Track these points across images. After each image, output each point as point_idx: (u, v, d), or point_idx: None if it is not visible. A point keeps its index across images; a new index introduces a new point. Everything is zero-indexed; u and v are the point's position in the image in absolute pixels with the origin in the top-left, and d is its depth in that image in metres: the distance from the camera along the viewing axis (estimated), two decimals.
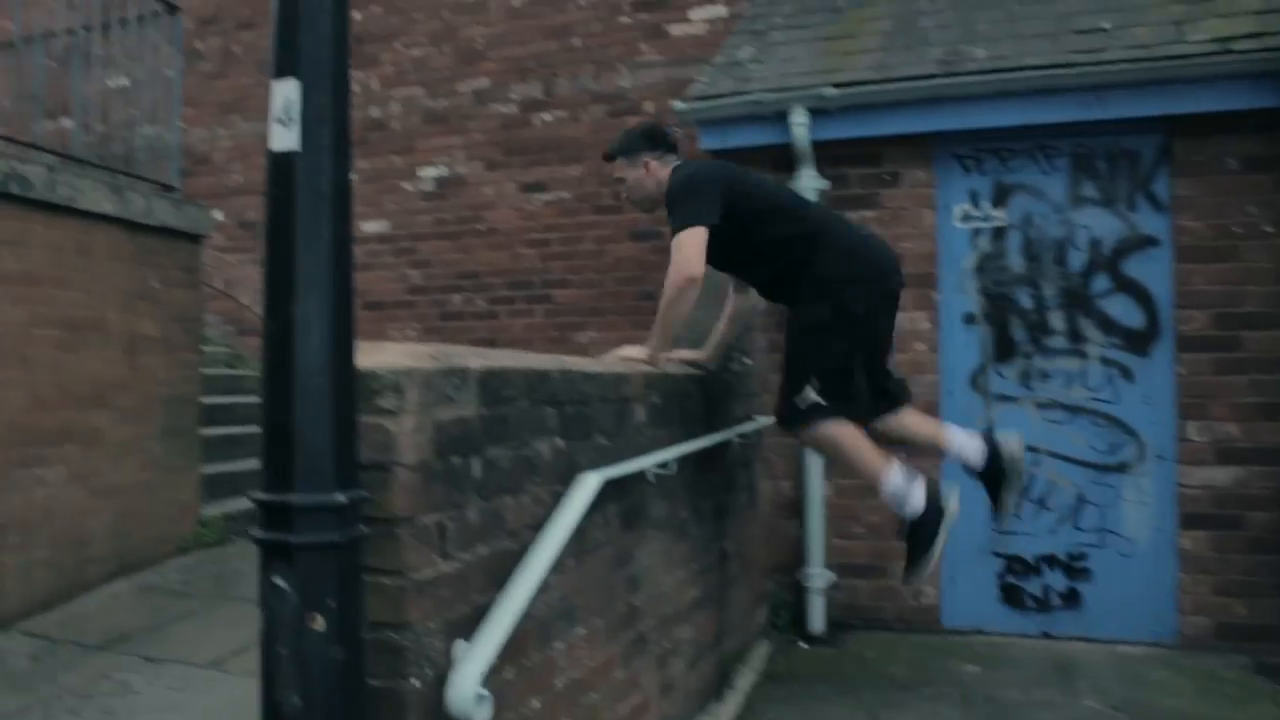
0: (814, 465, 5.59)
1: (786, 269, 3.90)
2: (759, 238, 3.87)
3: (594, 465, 2.95)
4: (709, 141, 5.77)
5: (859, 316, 3.80)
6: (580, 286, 7.37)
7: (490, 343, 7.55)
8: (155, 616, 5.00)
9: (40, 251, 5.10)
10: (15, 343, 4.93)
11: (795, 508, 5.66)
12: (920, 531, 3.86)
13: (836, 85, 5.49)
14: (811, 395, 3.77)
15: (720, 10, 7.13)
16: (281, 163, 1.71)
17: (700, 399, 4.25)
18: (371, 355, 2.05)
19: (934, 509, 3.84)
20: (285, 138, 1.69)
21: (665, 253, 6.98)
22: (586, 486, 2.74)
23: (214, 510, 6.24)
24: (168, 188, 6.19)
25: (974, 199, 5.63)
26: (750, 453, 5.19)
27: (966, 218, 5.64)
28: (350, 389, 1.80)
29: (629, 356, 3.78)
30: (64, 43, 6.07)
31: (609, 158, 4.14)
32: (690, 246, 3.65)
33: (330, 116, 1.71)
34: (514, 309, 7.55)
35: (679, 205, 3.75)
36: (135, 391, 5.65)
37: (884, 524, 5.59)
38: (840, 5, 6.40)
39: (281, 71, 1.71)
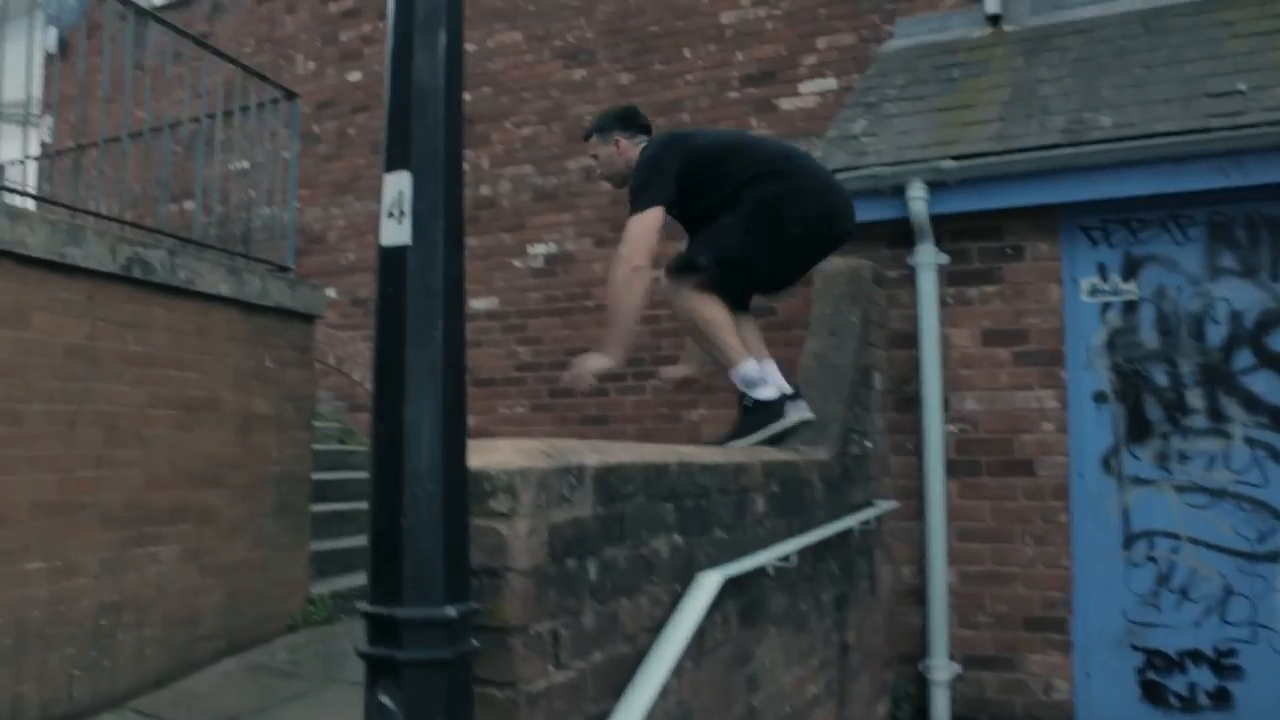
0: (936, 550, 5.35)
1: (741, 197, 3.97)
2: (726, 189, 3.95)
3: (713, 561, 2.81)
4: None
5: (793, 234, 3.94)
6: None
7: (600, 420, 7.47)
8: (263, 698, 4.95)
9: (160, 333, 5.18)
10: (134, 423, 4.99)
11: (917, 595, 5.40)
12: (758, 413, 3.96)
13: (955, 157, 5.32)
14: (711, 263, 3.88)
15: (830, 83, 7.04)
16: (392, 258, 1.64)
17: (820, 485, 4.07)
18: (483, 454, 1.95)
19: (779, 404, 3.97)
20: (396, 232, 1.62)
21: (777, 329, 6.88)
22: (706, 586, 2.60)
23: (323, 588, 6.21)
24: (283, 268, 6.29)
25: (1102, 272, 5.38)
26: (870, 538, 4.98)
27: (1095, 292, 5.38)
28: (463, 495, 1.70)
29: (594, 368, 3.83)
30: (190, 130, 6.24)
31: (585, 136, 4.41)
32: (637, 235, 3.81)
33: (443, 209, 1.64)
34: (624, 385, 7.46)
35: (636, 188, 3.95)
36: (248, 470, 5.68)
37: (1012, 614, 5.30)
38: (955, 75, 6.26)
39: (393, 164, 1.64)
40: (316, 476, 6.52)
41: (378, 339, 1.66)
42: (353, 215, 8.81)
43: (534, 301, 7.91)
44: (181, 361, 5.31)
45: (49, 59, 10.41)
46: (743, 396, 4.07)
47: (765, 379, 4.03)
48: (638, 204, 3.88)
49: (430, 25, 1.72)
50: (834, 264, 5.40)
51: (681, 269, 3.99)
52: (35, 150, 9.13)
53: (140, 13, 6.17)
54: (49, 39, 10.64)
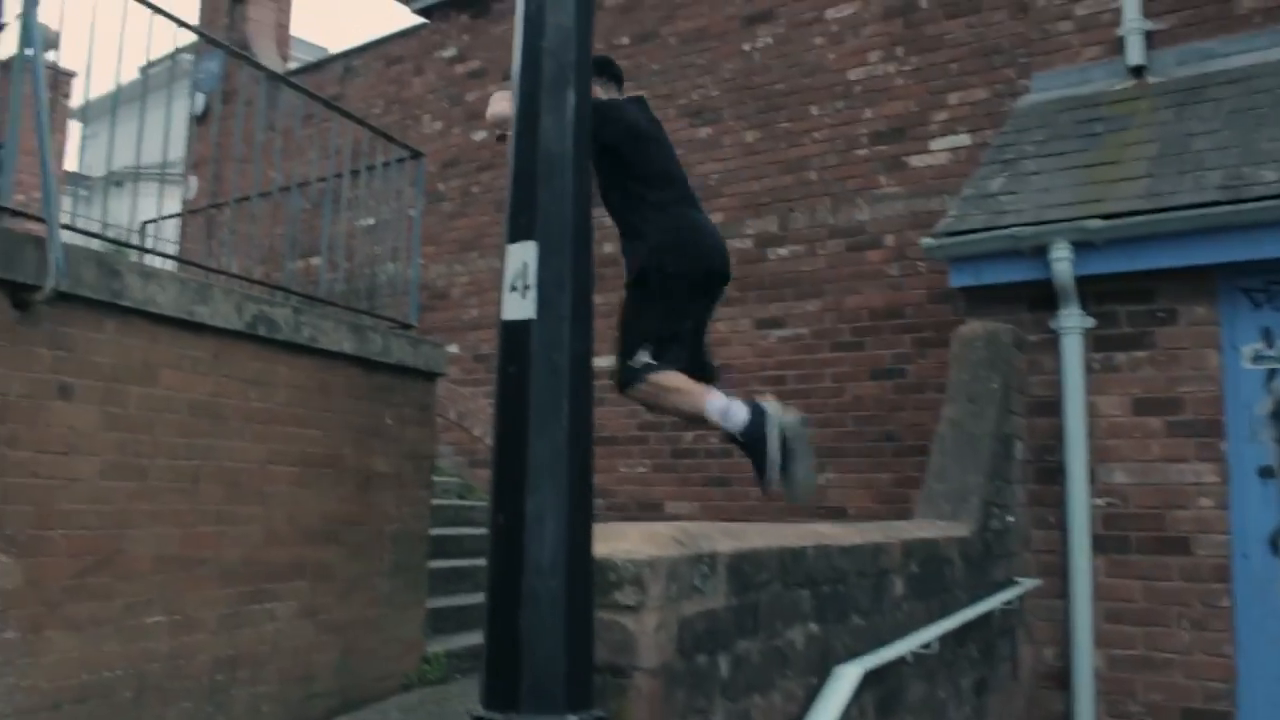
0: (1082, 631, 5.00)
1: (629, 217, 4.44)
2: (624, 181, 4.37)
3: (850, 650, 2.60)
4: (960, 279, 5.41)
5: (679, 288, 4.23)
6: (818, 426, 7.02)
7: (722, 482, 7.29)
8: None
9: (283, 390, 5.19)
10: (255, 479, 5.00)
11: (1060, 679, 5.05)
12: (754, 434, 4.07)
13: (1103, 216, 5.04)
14: (644, 357, 4.17)
15: (963, 139, 6.81)
16: (515, 333, 1.51)
17: (960, 563, 3.82)
18: (609, 541, 1.80)
19: (758, 410, 4.09)
20: (520, 306, 1.49)
21: (907, 391, 6.63)
22: (845, 680, 2.40)
23: (438, 646, 6.13)
24: (406, 325, 6.30)
25: (1267, 337, 5.01)
26: (1012, 618, 4.67)
27: (1258, 358, 5.01)
28: (588, 593, 1.55)
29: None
30: (318, 189, 6.33)
31: None
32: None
33: (570, 281, 1.51)
34: None
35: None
36: (365, 527, 5.64)
37: (1167, 704, 4.91)
38: (1098, 130, 5.96)
39: (517, 233, 1.52)
40: (435, 532, 6.48)
41: (498, 421, 1.53)
42: (476, 272, 8.85)
43: None
44: (303, 419, 5.32)
45: (192, 122, 10.80)
46: (731, 436, 4.24)
47: (729, 402, 4.18)
48: None
49: (558, 86, 1.61)
50: (971, 328, 5.16)
51: (630, 383, 4.27)
52: (176, 209, 9.43)
53: (274, 77, 6.31)
54: (196, 104, 11.05)
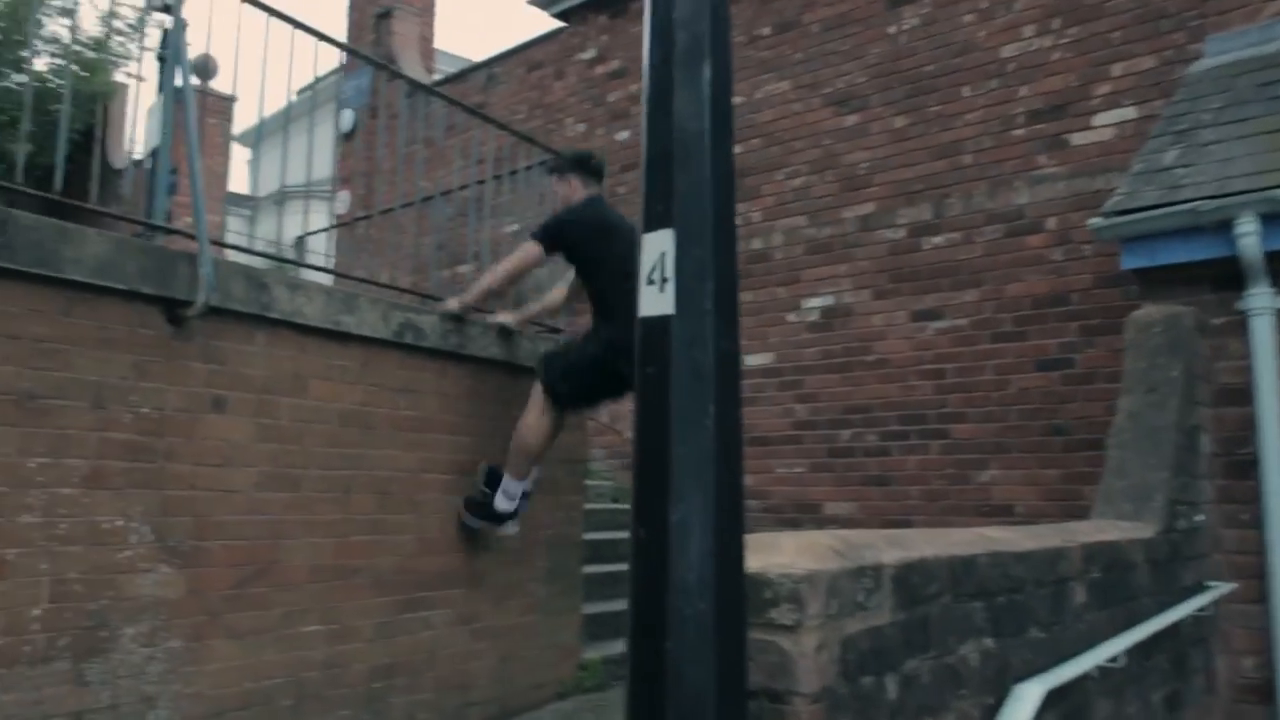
0: None
1: (593, 305, 5.13)
2: (585, 276, 5.18)
3: (1029, 665, 2.39)
4: (1133, 260, 5.05)
5: (617, 373, 4.74)
6: (979, 420, 6.72)
7: (881, 481, 7.03)
8: None
9: (432, 398, 5.20)
10: (406, 487, 5.01)
11: (1262, 691, 4.66)
12: (483, 511, 5.06)
13: None
14: (563, 385, 4.88)
15: (1129, 113, 6.39)
16: (653, 331, 1.37)
17: (1145, 567, 3.53)
18: (763, 554, 1.65)
19: (504, 516, 5.04)
20: (658, 301, 1.36)
21: (1076, 382, 6.27)
22: (1026, 700, 2.19)
23: (593, 653, 6.06)
24: (554, 330, 6.26)
25: None
26: (1205, 626, 4.32)
27: None
28: (739, 613, 1.41)
29: (447, 309, 5.06)
30: (462, 197, 6.35)
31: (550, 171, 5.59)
32: (523, 250, 5.03)
33: (713, 272, 1.36)
34: (907, 445, 7.00)
35: (545, 222, 5.23)
36: (519, 533, 5.62)
37: None
38: None
39: (653, 221, 1.39)
40: (589, 537, 6.42)
41: (638, 427, 1.40)
42: None
43: (810, 357, 7.59)
44: (453, 425, 5.32)
45: (341, 139, 11.06)
46: (484, 489, 5.15)
47: (519, 494, 5.05)
48: (534, 233, 5.06)
49: (692, 57, 1.47)
50: (1148, 312, 4.81)
51: (547, 378, 4.97)
52: (325, 223, 9.65)
53: (420, 88, 6.35)
54: (344, 121, 11.32)
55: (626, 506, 7.75)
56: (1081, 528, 3.19)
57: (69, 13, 10.09)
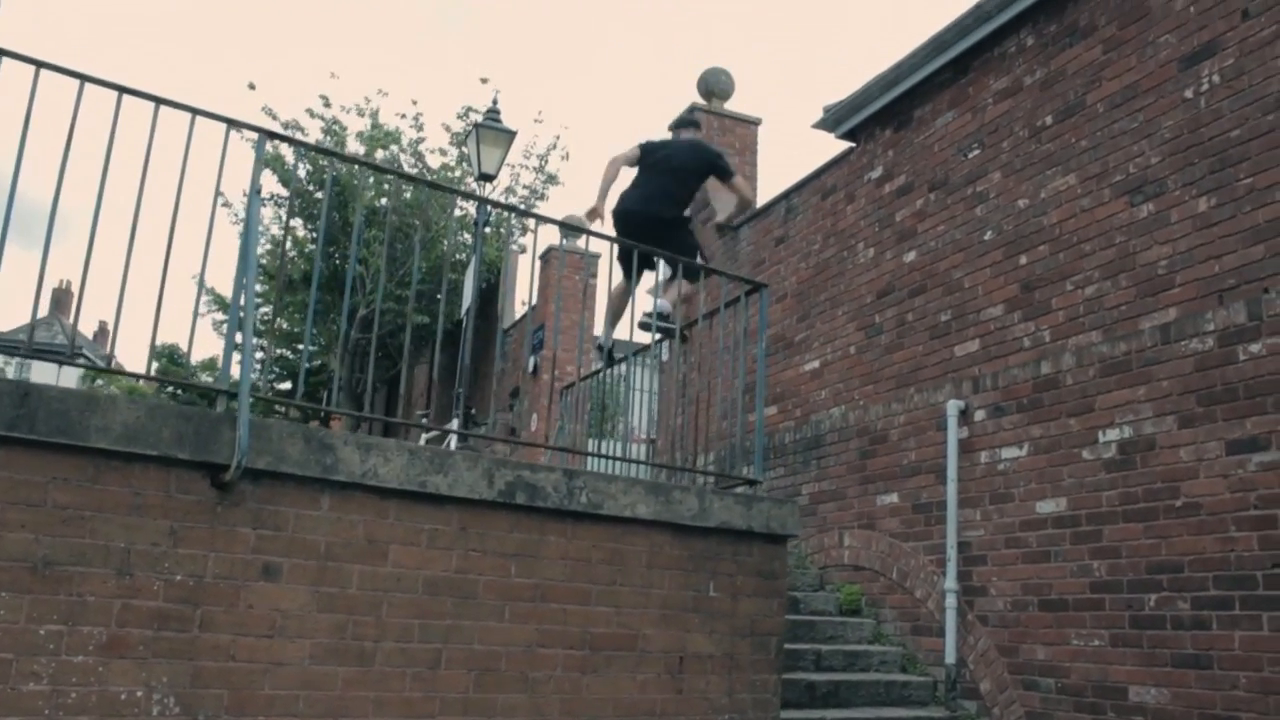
0: None
1: None
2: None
3: None
4: None
5: None
6: None
7: (1199, 662, 5.44)
8: None
9: (554, 564, 4.71)
10: (517, 664, 4.53)
11: None
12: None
13: None
14: None
15: None
16: None
17: None
18: None
19: None
20: None
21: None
22: None
23: None
24: (750, 482, 5.53)
25: None
26: None
27: None
28: None
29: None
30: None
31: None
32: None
33: None
34: (1230, 616, 5.35)
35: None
36: (683, 718, 4.88)
37: None
38: None
39: None
40: (866, 716, 5.99)
41: None
42: (913, 410, 7.75)
43: (1109, 501, 6.13)
44: (585, 594, 4.77)
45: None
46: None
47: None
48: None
49: None
50: None
51: None
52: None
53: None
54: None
55: (912, 677, 6.67)
56: None
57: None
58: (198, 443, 3.96)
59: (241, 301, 4.25)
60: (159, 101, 4.26)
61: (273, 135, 4.80)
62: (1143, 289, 6.20)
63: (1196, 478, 5.69)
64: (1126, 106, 6.47)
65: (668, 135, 8.94)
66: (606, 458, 6.42)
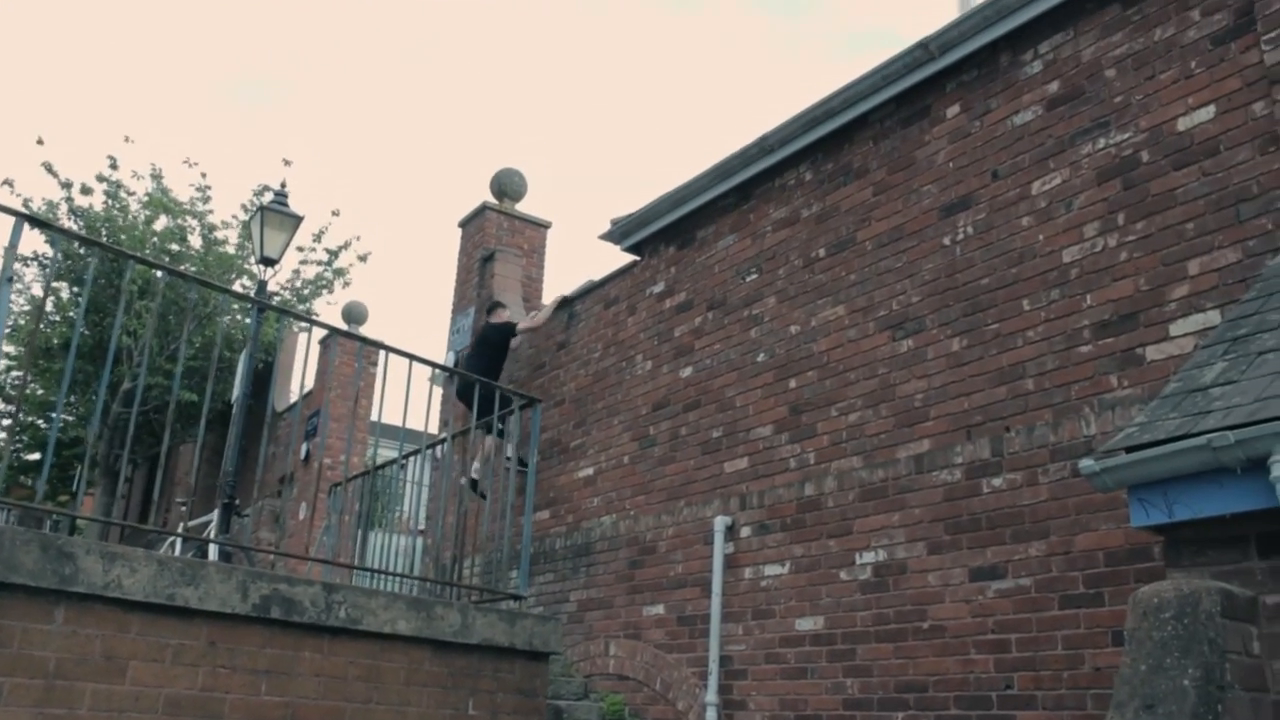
0: None
1: None
2: None
3: None
4: (1146, 514, 3.83)
5: None
6: (1049, 707, 5.30)
7: None
8: None
9: (308, 681, 4.48)
10: None
11: None
12: None
13: None
14: None
15: (1211, 318, 5.12)
16: None
17: None
18: None
19: None
20: None
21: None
22: None
23: None
24: (515, 597, 5.45)
25: None
26: None
27: None
28: None
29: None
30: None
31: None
32: None
33: None
34: None
35: None
36: None
37: None
38: None
39: None
40: None
41: None
42: (681, 523, 7.88)
43: (863, 621, 6.37)
44: (338, 713, 4.56)
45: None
46: None
47: None
48: None
49: None
50: (1157, 590, 3.56)
51: None
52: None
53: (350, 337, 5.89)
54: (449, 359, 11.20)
55: None
56: None
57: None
58: None
59: None
60: None
61: (32, 221, 4.52)
62: (900, 419, 6.54)
63: (942, 601, 5.98)
64: (892, 246, 6.89)
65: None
66: (369, 570, 6.21)
